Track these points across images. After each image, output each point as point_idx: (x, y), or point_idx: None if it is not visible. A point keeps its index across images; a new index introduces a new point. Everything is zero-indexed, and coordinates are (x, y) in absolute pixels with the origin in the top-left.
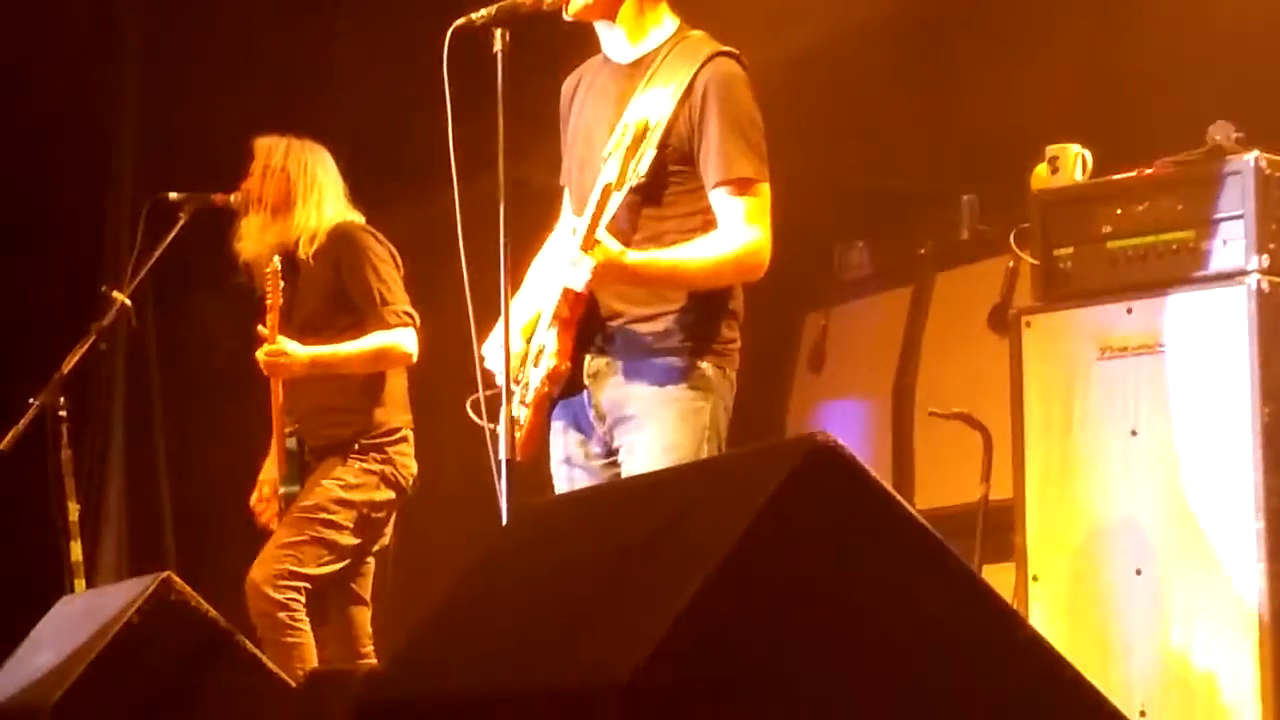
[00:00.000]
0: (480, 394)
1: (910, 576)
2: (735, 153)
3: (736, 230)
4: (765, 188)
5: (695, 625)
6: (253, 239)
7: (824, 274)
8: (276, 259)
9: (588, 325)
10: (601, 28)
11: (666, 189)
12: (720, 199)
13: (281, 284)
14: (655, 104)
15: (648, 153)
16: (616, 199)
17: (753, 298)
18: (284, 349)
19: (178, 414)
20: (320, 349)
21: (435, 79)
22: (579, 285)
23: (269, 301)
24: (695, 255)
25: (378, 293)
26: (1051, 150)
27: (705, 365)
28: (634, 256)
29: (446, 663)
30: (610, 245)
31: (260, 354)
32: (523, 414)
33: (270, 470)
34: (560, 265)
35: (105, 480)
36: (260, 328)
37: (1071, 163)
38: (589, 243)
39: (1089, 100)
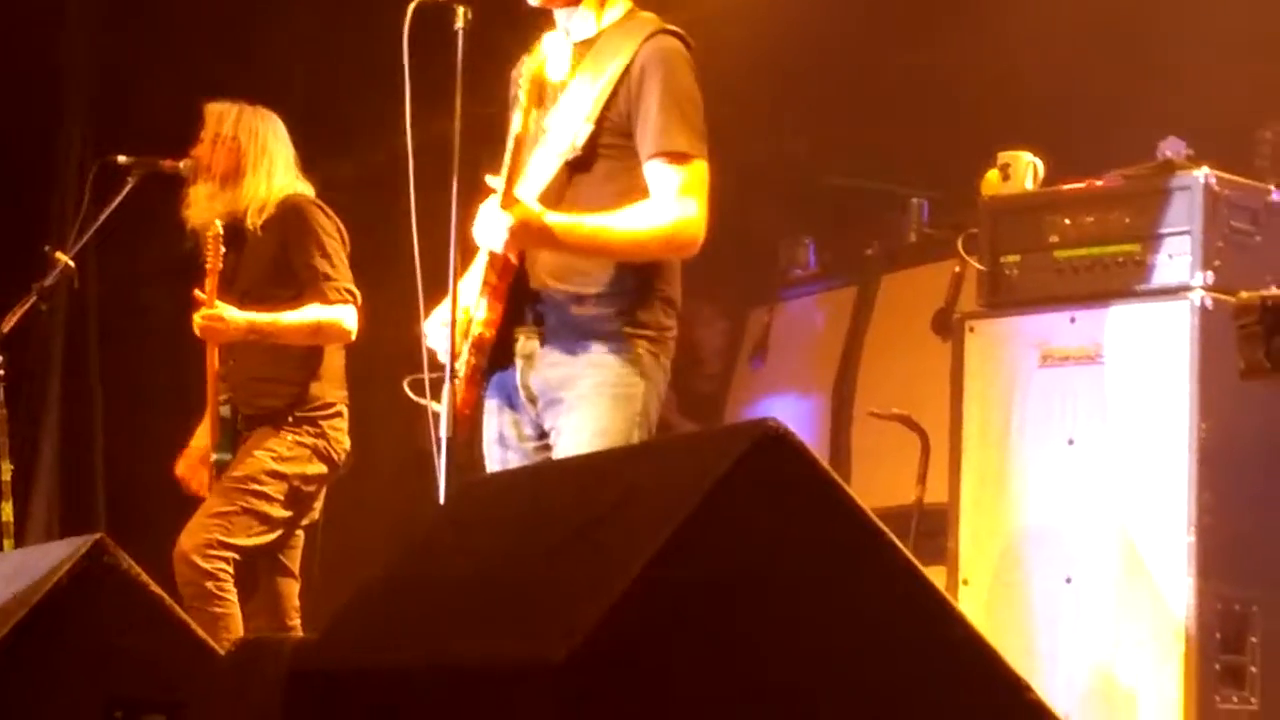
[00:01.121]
0: (425, 374)
1: (854, 566)
2: (672, 126)
3: (668, 203)
4: (702, 165)
5: (636, 606)
6: (201, 207)
7: (770, 270)
8: (218, 222)
9: (519, 298)
10: (561, 14)
11: (602, 162)
12: (654, 170)
13: (223, 249)
14: (555, 48)
15: (585, 127)
16: (543, 162)
17: (696, 288)
18: (221, 314)
19: (115, 377)
20: (258, 315)
21: (391, 49)
22: (498, 245)
23: (208, 265)
24: (621, 224)
25: (321, 269)
26: (1003, 157)
27: (641, 351)
28: (553, 218)
29: (381, 636)
30: (529, 205)
31: (197, 318)
32: (457, 389)
33: (202, 437)
34: (480, 226)
35: (39, 441)
36: (198, 292)
37: (1022, 171)
38: (507, 201)
39: (1043, 110)
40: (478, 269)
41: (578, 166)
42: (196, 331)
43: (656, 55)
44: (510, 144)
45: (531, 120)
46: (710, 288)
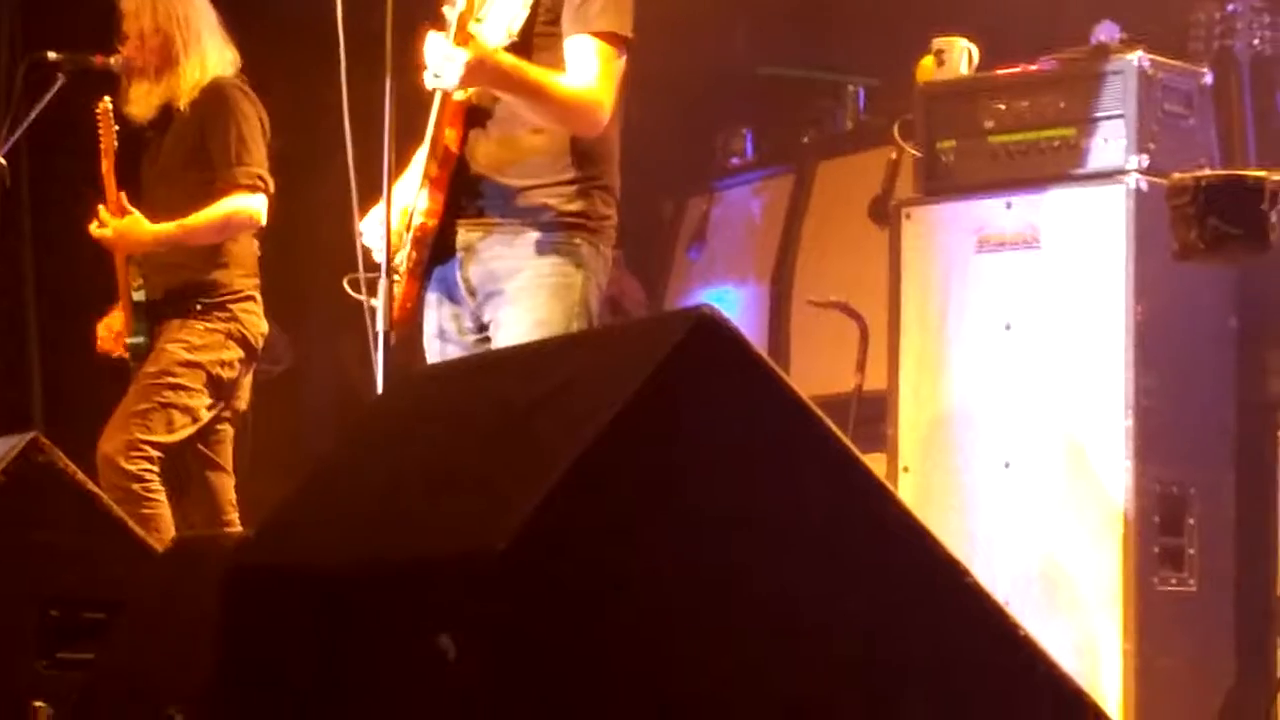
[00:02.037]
0: (360, 273)
1: (789, 452)
2: (601, 5)
3: (586, 76)
4: (622, 56)
5: (574, 494)
6: (140, 103)
7: (707, 159)
8: (108, 99)
9: (459, 191)
10: None
11: (536, 50)
12: (577, 44)
13: (115, 128)
14: None
15: (520, 13)
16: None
17: (634, 179)
18: (130, 228)
19: (46, 276)
20: (166, 227)
21: None
22: (453, 82)
23: (102, 146)
24: (558, 82)
25: (234, 151)
26: (938, 43)
27: (579, 241)
28: (508, 59)
29: (321, 530)
30: (484, 39)
31: (105, 232)
32: (397, 284)
33: (115, 320)
34: (432, 64)
35: None
36: (102, 208)
37: (957, 57)
38: (462, 37)
39: None
40: (413, 172)
41: (514, 51)
42: (102, 242)
43: None
44: (457, 10)
45: None
46: (647, 177)
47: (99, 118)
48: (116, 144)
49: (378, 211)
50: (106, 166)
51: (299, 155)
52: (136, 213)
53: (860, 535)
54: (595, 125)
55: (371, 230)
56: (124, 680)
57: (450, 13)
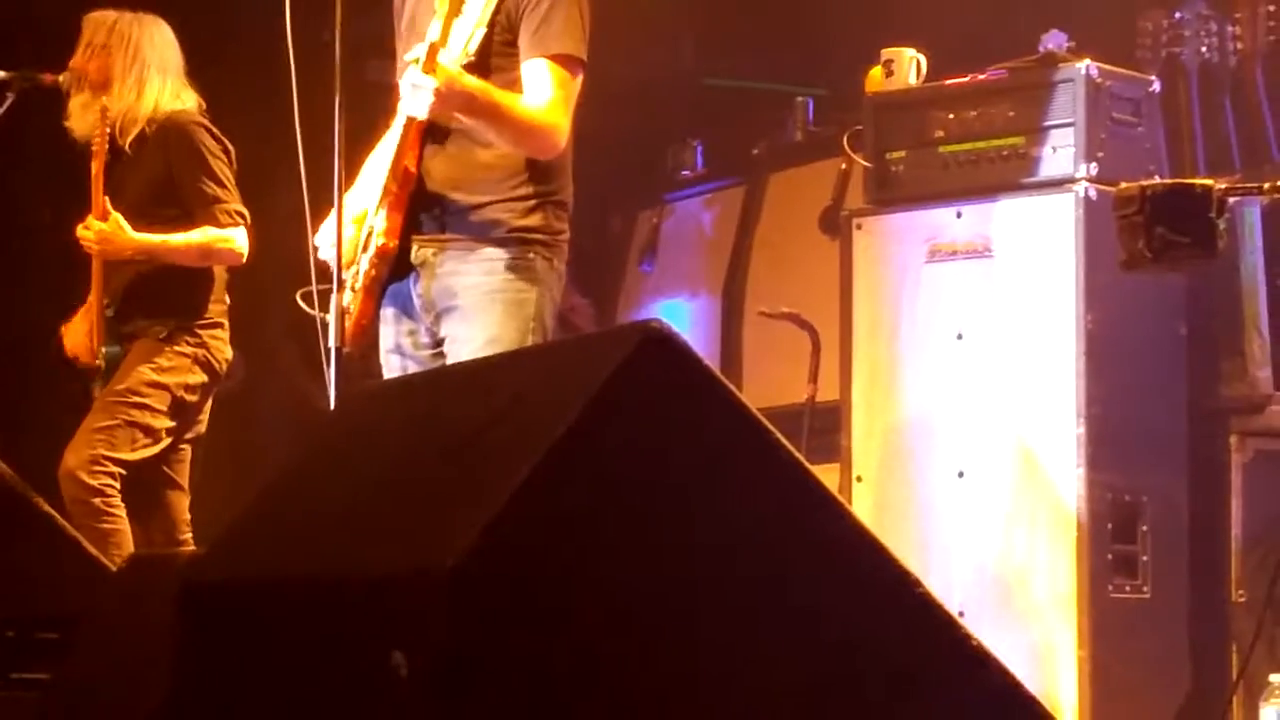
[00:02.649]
0: (313, 287)
1: (739, 465)
2: (557, 29)
3: (543, 100)
4: (578, 75)
5: (523, 513)
6: (78, 117)
7: (657, 172)
8: (105, 112)
9: (416, 209)
10: None
11: (494, 70)
12: (534, 68)
13: (109, 132)
14: None
15: (477, 31)
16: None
17: (586, 192)
18: (115, 232)
19: (2, 290)
20: (150, 237)
21: None
22: (422, 110)
23: (95, 148)
24: (517, 105)
25: (210, 192)
26: (886, 53)
27: (533, 256)
28: (471, 79)
29: (273, 547)
30: (450, 67)
31: (86, 231)
32: (353, 301)
33: (77, 327)
34: (405, 94)
35: None
36: (92, 220)
37: (906, 66)
38: (430, 65)
39: (925, 5)
40: (364, 181)
41: (472, 70)
42: (84, 246)
43: None
44: (435, 30)
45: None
46: (597, 190)
47: (94, 139)
48: (107, 149)
49: (330, 223)
50: (96, 169)
51: (250, 168)
52: (120, 218)
53: (812, 548)
54: (552, 149)
55: (326, 243)
56: (79, 699)
57: (416, 51)
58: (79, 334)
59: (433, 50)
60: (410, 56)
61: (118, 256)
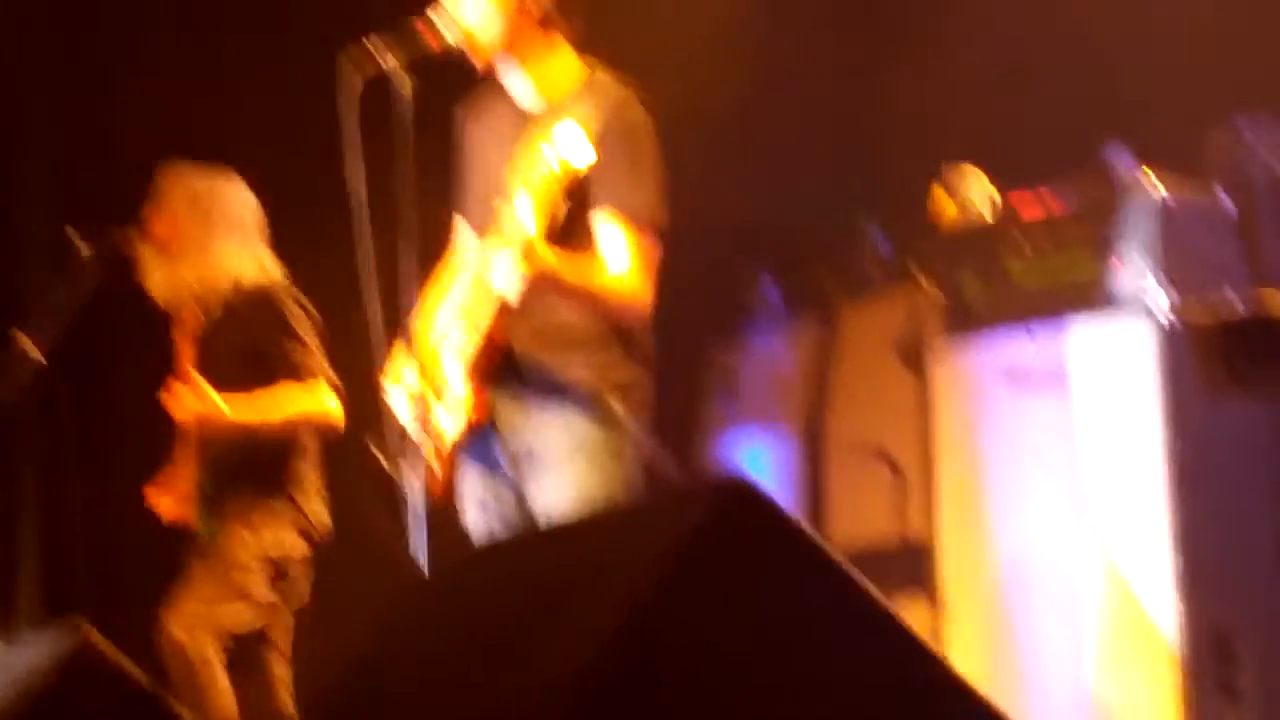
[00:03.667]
0: (390, 441)
1: (830, 618)
2: (630, 190)
3: (628, 269)
4: (652, 237)
5: (615, 670)
6: (154, 280)
7: (733, 309)
8: (189, 276)
9: (501, 370)
10: (510, 76)
11: (572, 235)
12: (609, 230)
13: (198, 310)
14: (567, 139)
15: (556, 190)
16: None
17: (662, 334)
18: (216, 407)
19: (90, 456)
20: (245, 417)
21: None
22: (508, 293)
23: (183, 333)
24: (600, 278)
25: (302, 363)
26: (953, 178)
27: (614, 404)
28: (560, 260)
29: (370, 711)
30: (537, 245)
31: (182, 405)
32: (436, 460)
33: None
34: (491, 273)
35: (18, 530)
36: (191, 386)
37: (973, 190)
38: (525, 250)
39: (989, 122)
40: (427, 312)
41: (550, 239)
42: (180, 417)
43: (619, 122)
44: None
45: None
46: (676, 330)
47: (185, 304)
48: (197, 327)
49: (402, 370)
50: (183, 343)
51: (327, 317)
52: (216, 397)
53: (905, 696)
54: (638, 315)
55: (396, 392)
56: None
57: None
58: (175, 497)
59: (525, 239)
60: (499, 238)
61: (215, 436)
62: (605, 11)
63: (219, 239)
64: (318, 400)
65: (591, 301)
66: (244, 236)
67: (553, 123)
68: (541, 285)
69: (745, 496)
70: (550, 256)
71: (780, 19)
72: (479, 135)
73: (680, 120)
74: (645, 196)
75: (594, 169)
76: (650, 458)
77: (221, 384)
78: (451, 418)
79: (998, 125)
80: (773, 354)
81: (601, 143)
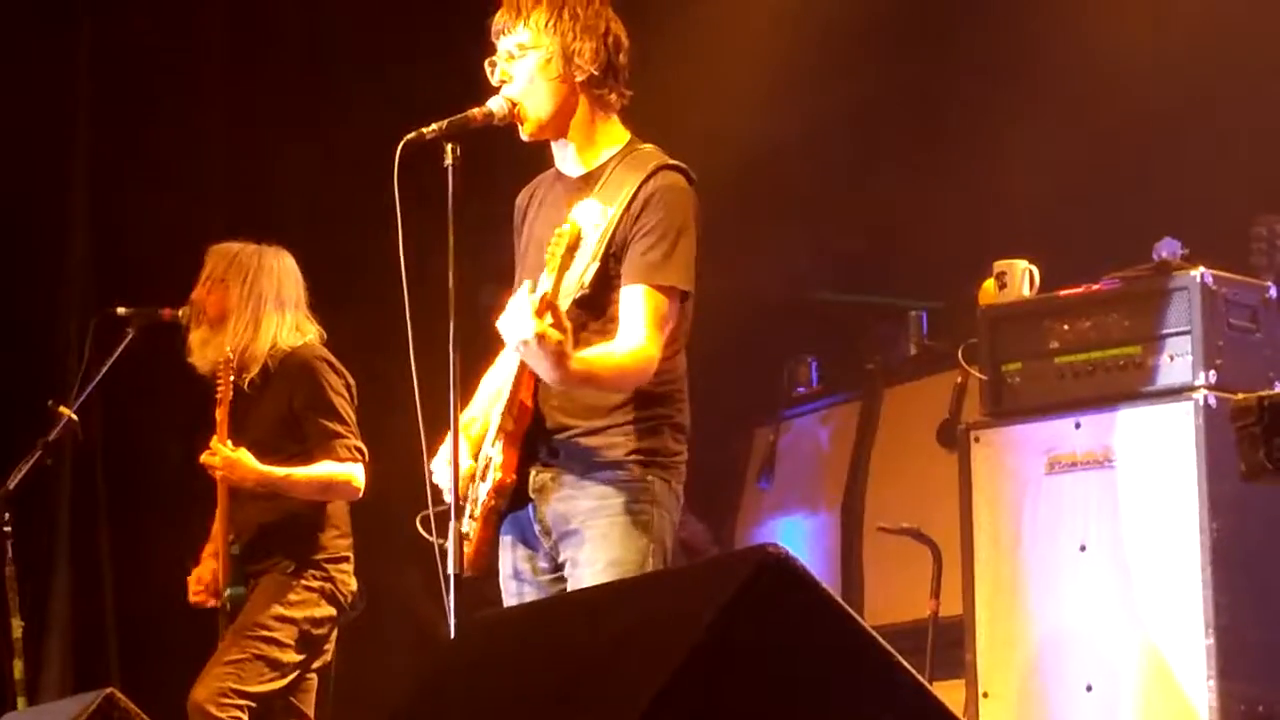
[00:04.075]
0: (430, 510)
1: (862, 690)
2: (663, 259)
3: (635, 332)
4: (679, 303)
5: None
6: (198, 352)
7: (773, 388)
8: (229, 348)
9: (533, 438)
10: (555, 145)
11: (610, 303)
12: (632, 294)
13: (232, 377)
14: (591, 214)
15: (591, 265)
16: (560, 303)
17: (702, 411)
18: (240, 459)
19: (123, 528)
20: (273, 469)
21: (387, 189)
22: (513, 342)
23: (219, 394)
24: (608, 361)
25: (332, 428)
26: (999, 265)
27: (651, 478)
28: (576, 355)
29: None
30: (556, 332)
31: (214, 458)
32: (471, 529)
33: (212, 557)
34: (507, 317)
35: (49, 595)
36: (215, 443)
37: (1019, 278)
38: (543, 307)
39: (1037, 215)
40: (478, 404)
41: (585, 304)
42: (209, 471)
43: (661, 190)
44: (546, 282)
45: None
46: (714, 408)
47: (220, 367)
48: (232, 394)
49: (446, 449)
50: (221, 415)
51: (369, 393)
52: (251, 461)
53: None
54: (643, 380)
55: (441, 469)
56: None
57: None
58: (205, 577)
59: (544, 300)
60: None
61: (240, 484)
62: (653, 82)
63: (265, 312)
64: (342, 469)
65: (595, 384)
66: (288, 307)
67: (593, 192)
68: (543, 353)
69: (781, 568)
70: (553, 335)
71: (833, 103)
72: (532, 212)
73: (728, 198)
74: (674, 265)
75: (629, 237)
76: (685, 527)
77: (257, 450)
78: (485, 484)
79: (1048, 218)
80: (813, 432)
81: (639, 213)
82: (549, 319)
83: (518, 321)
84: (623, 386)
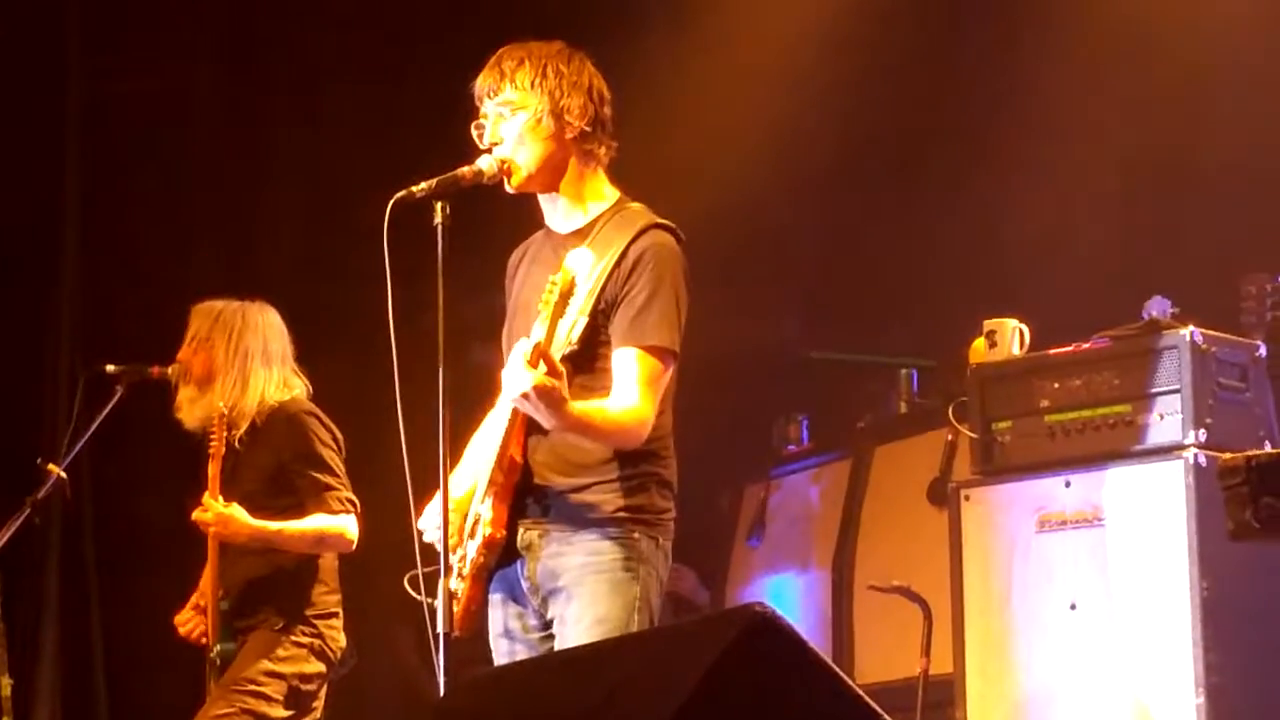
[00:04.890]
0: (419, 570)
1: None
2: (653, 320)
3: (628, 394)
4: (670, 364)
5: None
6: (186, 410)
7: (763, 446)
8: (222, 404)
9: (522, 495)
10: (543, 200)
11: (598, 359)
12: (624, 357)
13: (225, 433)
14: (584, 262)
15: (580, 320)
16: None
17: (692, 470)
18: (232, 514)
19: (111, 586)
20: (265, 524)
21: (376, 248)
22: (514, 394)
23: (211, 450)
24: (602, 415)
25: (323, 481)
26: (989, 324)
27: (638, 536)
28: (572, 405)
29: None
30: (551, 379)
31: (205, 514)
32: (460, 587)
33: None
34: (509, 371)
35: (39, 654)
36: (207, 498)
37: (1009, 337)
38: (536, 357)
39: (1027, 275)
40: (468, 463)
41: (574, 360)
42: (201, 526)
43: (651, 250)
44: (539, 331)
45: (557, 328)
46: (705, 466)
47: (213, 423)
48: (224, 449)
49: (435, 506)
50: (213, 470)
51: (358, 451)
52: (242, 515)
53: None
54: (635, 441)
55: (431, 527)
56: None
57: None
58: (192, 621)
59: (547, 349)
60: (518, 351)
61: (233, 540)
62: (641, 139)
63: (253, 369)
64: (335, 522)
65: (588, 435)
66: (274, 362)
67: (579, 249)
68: (541, 405)
69: (767, 628)
70: (548, 383)
71: (822, 161)
72: (523, 270)
73: (718, 256)
74: (664, 327)
75: (619, 297)
76: (675, 578)
77: (248, 505)
78: (475, 540)
79: (1039, 277)
80: (803, 491)
81: (629, 273)
82: (543, 367)
83: (515, 374)
84: (616, 443)
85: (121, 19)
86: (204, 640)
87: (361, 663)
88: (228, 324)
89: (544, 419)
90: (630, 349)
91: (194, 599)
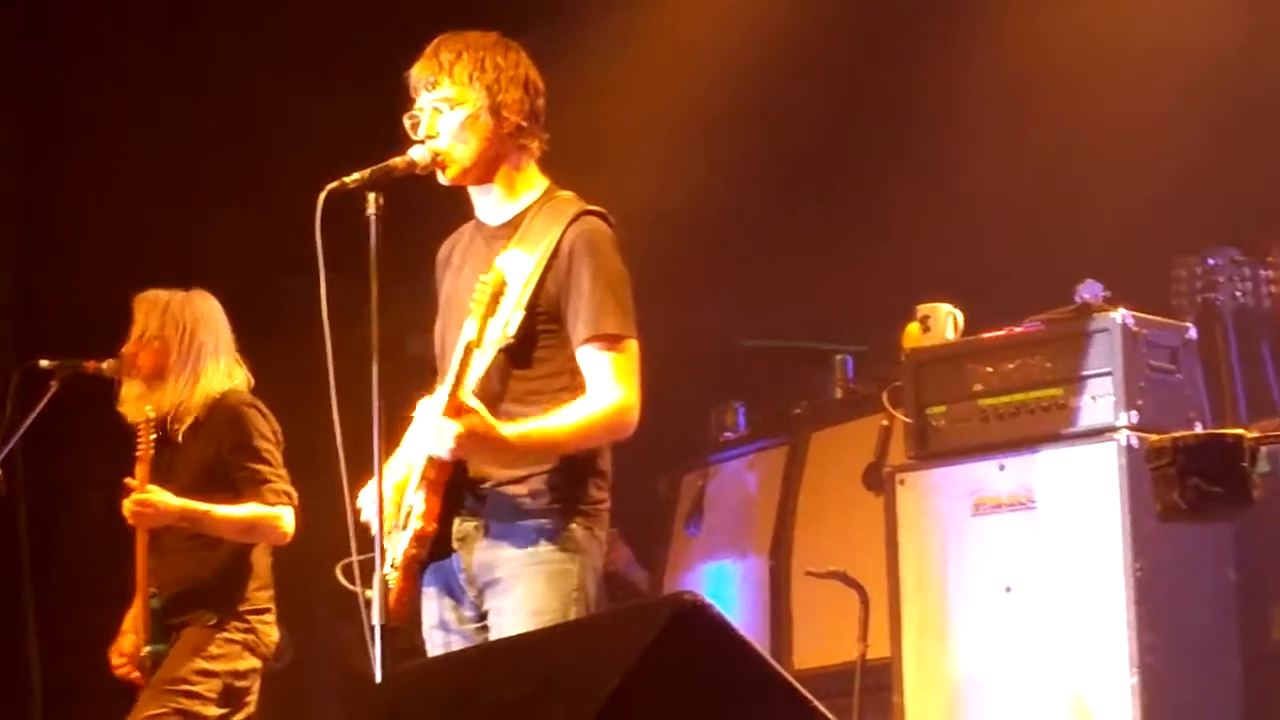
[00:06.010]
0: (354, 559)
1: None
2: (604, 309)
3: (605, 388)
4: (633, 345)
5: None
6: (131, 405)
7: (700, 434)
8: (149, 409)
9: (456, 487)
10: (475, 191)
11: (535, 349)
12: (588, 355)
13: (153, 435)
14: (516, 262)
15: (515, 314)
16: (480, 360)
17: (629, 458)
18: (152, 498)
19: (46, 580)
20: (195, 504)
21: (309, 239)
22: (444, 453)
23: (139, 452)
24: (566, 422)
25: (259, 473)
26: (923, 309)
27: (574, 526)
28: (509, 430)
29: None
30: (482, 416)
31: (127, 503)
32: (392, 577)
33: (133, 623)
34: (424, 432)
35: None
36: (129, 480)
37: (943, 321)
38: (452, 408)
39: (960, 260)
40: (405, 448)
41: (511, 353)
42: (127, 517)
43: (584, 238)
44: (460, 351)
45: (487, 327)
46: (642, 455)
47: (140, 426)
48: (153, 451)
49: (371, 489)
50: (141, 473)
51: (295, 442)
52: (156, 488)
53: None
54: (625, 430)
55: (369, 505)
56: None
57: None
58: (125, 649)
59: (452, 392)
60: (434, 399)
61: (160, 523)
62: (571, 129)
63: (205, 365)
64: (270, 511)
65: (561, 449)
66: (221, 353)
67: (515, 241)
68: (480, 449)
69: (696, 615)
70: (483, 421)
71: (755, 149)
72: (456, 260)
73: (652, 245)
74: (614, 311)
75: (562, 293)
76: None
77: (187, 495)
78: (406, 532)
79: (971, 262)
80: (741, 478)
81: (568, 266)
82: (469, 410)
83: (438, 436)
84: (611, 439)
85: (56, 2)
86: (135, 676)
87: (303, 658)
88: (178, 318)
89: (488, 461)
90: (591, 345)
91: (126, 622)
